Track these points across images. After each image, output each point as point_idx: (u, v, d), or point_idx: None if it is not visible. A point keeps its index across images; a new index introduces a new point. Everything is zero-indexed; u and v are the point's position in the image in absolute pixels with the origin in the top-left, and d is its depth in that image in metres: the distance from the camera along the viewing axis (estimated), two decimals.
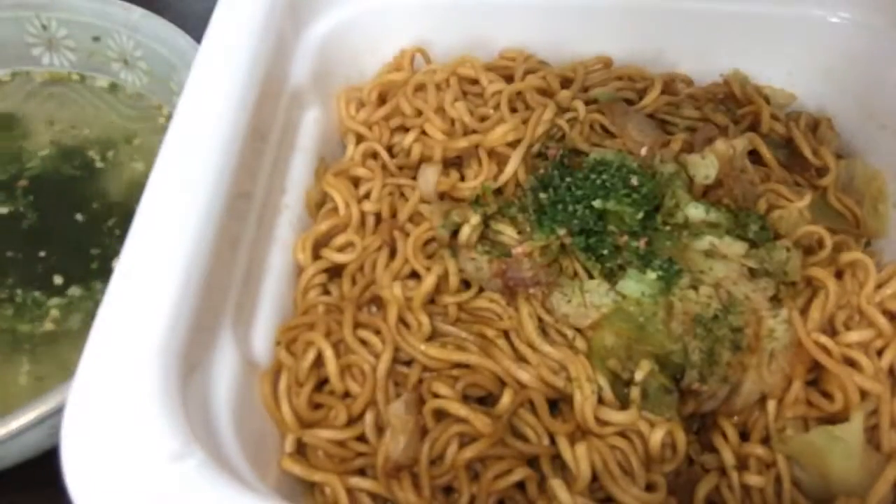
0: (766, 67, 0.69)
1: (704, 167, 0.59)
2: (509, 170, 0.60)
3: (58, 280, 0.68)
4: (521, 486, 0.48)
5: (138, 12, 0.77)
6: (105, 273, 0.69)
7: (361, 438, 0.49)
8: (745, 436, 0.51)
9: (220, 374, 0.47)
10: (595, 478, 0.48)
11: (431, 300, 0.55)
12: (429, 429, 0.49)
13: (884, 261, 0.59)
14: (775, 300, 0.54)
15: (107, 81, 0.83)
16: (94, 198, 0.74)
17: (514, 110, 0.64)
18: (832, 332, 0.54)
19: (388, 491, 0.47)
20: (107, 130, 0.79)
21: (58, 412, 0.49)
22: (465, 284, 0.56)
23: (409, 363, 0.52)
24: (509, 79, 0.67)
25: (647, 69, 0.69)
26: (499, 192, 0.61)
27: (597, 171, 0.58)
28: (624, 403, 0.50)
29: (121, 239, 0.45)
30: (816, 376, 0.53)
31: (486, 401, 0.51)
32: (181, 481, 0.37)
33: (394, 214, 0.60)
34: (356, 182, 0.61)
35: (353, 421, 0.50)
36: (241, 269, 0.52)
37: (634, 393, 0.50)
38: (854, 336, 0.53)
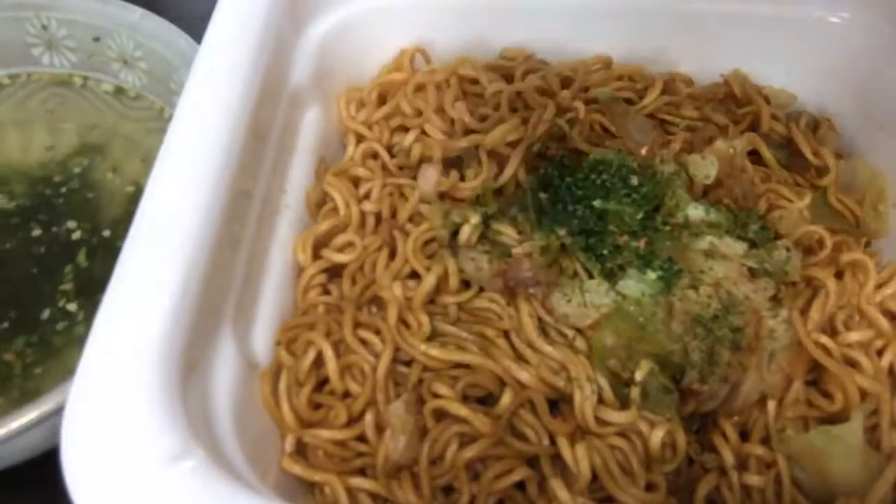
0: (766, 67, 0.69)
1: (704, 167, 0.59)
2: (509, 170, 0.60)
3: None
4: (521, 486, 0.48)
5: (138, 12, 0.77)
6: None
7: (361, 438, 0.49)
8: (745, 436, 0.51)
9: (220, 374, 0.47)
10: (595, 478, 0.48)
11: (431, 300, 0.55)
12: (429, 429, 0.49)
13: (884, 261, 0.59)
14: (775, 300, 0.54)
15: (111, 85, 0.83)
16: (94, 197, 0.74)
17: (514, 110, 0.64)
18: (832, 332, 0.54)
19: (388, 491, 0.47)
20: (107, 131, 0.79)
21: (58, 412, 0.49)
22: (465, 284, 0.56)
23: (409, 363, 0.52)
24: (509, 79, 0.67)
25: (647, 69, 0.69)
26: (499, 192, 0.61)
27: (597, 171, 0.58)
28: (624, 403, 0.50)
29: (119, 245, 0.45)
30: (816, 376, 0.53)
31: (486, 401, 0.51)
32: (181, 481, 0.37)
33: (394, 214, 0.60)
34: (356, 182, 0.62)
35: (353, 421, 0.50)
36: (241, 269, 0.52)
37: (634, 393, 0.50)
38: (854, 336, 0.53)
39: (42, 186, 0.75)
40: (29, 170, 0.76)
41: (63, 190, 0.75)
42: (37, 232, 0.71)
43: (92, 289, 0.67)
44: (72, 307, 0.66)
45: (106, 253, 0.70)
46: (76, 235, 0.71)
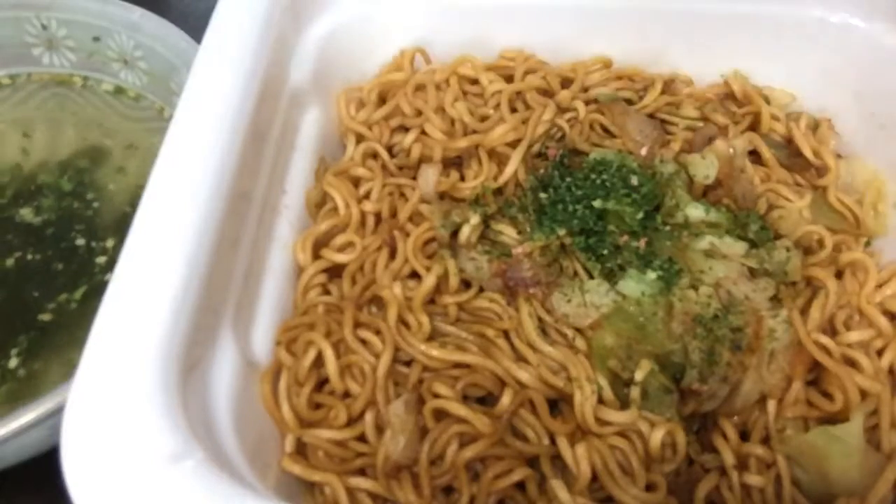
0: (766, 67, 0.69)
1: (704, 167, 0.59)
2: (509, 170, 0.60)
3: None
4: (521, 486, 0.48)
5: (138, 12, 0.77)
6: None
7: (361, 438, 0.49)
8: (745, 436, 0.51)
9: (220, 374, 0.47)
10: (595, 478, 0.48)
11: (431, 300, 0.55)
12: (429, 429, 0.49)
13: (884, 261, 0.59)
14: (775, 300, 0.54)
15: (111, 85, 0.83)
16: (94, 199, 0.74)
17: (514, 110, 0.64)
18: (832, 332, 0.54)
19: (388, 491, 0.47)
20: (108, 132, 0.79)
21: (58, 412, 0.49)
22: (465, 284, 0.56)
23: (409, 363, 0.52)
24: (509, 79, 0.67)
25: (647, 69, 0.69)
26: (499, 192, 0.61)
27: (597, 171, 0.58)
28: (624, 403, 0.50)
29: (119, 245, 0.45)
30: (816, 376, 0.53)
31: (486, 401, 0.51)
32: (181, 481, 0.37)
33: (394, 214, 0.60)
34: (356, 182, 0.61)
35: (353, 421, 0.50)
36: (241, 269, 0.52)
37: (634, 393, 0.50)
38: (854, 336, 0.53)
39: (70, 199, 0.74)
40: (50, 180, 0.75)
41: (75, 201, 0.74)
42: (80, 241, 0.71)
43: (57, 338, 0.65)
44: (14, 363, 0.63)
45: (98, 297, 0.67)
46: (100, 260, 0.70)
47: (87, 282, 0.68)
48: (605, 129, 0.65)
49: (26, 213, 0.73)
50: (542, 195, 0.58)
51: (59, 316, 0.66)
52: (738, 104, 0.68)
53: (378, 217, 0.60)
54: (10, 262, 0.69)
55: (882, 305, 0.55)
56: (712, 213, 0.56)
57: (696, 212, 0.56)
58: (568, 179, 0.58)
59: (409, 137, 0.63)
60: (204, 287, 0.45)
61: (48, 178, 0.75)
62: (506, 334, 0.53)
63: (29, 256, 0.70)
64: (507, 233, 0.57)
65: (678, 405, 0.51)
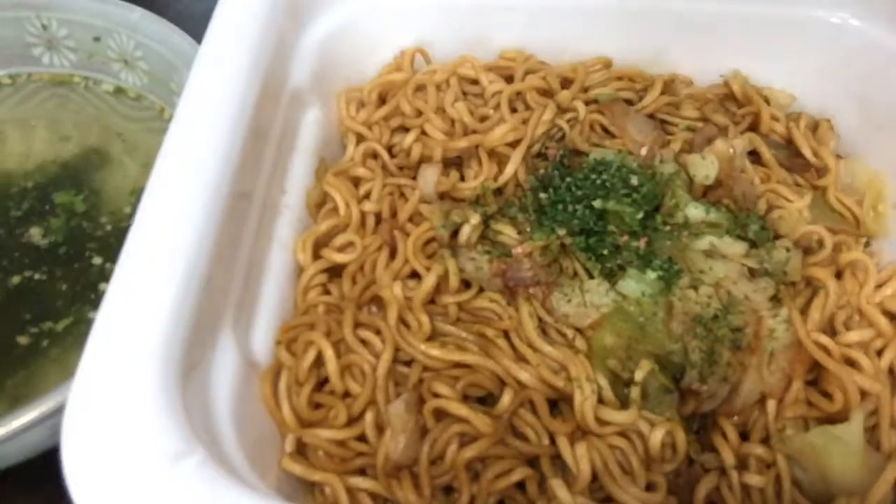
0: (766, 67, 0.69)
1: (704, 167, 0.59)
2: (509, 170, 0.60)
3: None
4: (521, 485, 0.48)
5: (138, 12, 0.77)
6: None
7: (361, 438, 0.49)
8: (745, 436, 0.51)
9: (220, 374, 0.47)
10: (595, 477, 0.48)
11: (431, 300, 0.55)
12: (429, 428, 0.49)
13: (884, 261, 0.59)
14: (775, 300, 0.54)
15: (112, 85, 0.83)
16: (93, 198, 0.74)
17: (514, 110, 0.64)
18: (832, 332, 0.54)
19: (388, 491, 0.47)
20: (108, 132, 0.79)
21: (58, 412, 0.49)
22: (466, 284, 0.56)
23: (409, 363, 0.52)
24: (509, 79, 0.67)
25: (647, 69, 0.69)
26: (499, 192, 0.61)
27: (597, 171, 0.58)
28: (624, 403, 0.50)
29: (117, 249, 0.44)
30: (816, 376, 0.53)
31: (486, 401, 0.51)
32: (181, 481, 0.37)
33: (394, 214, 0.60)
34: (356, 182, 0.62)
35: (353, 421, 0.50)
36: (241, 269, 0.52)
37: (634, 393, 0.50)
38: (854, 336, 0.53)
39: (80, 219, 0.72)
40: (65, 200, 0.74)
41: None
42: (97, 260, 0.69)
43: (22, 363, 0.62)
44: None
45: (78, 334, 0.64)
46: (102, 287, 0.67)
47: (76, 312, 0.66)
48: (605, 130, 0.65)
49: (35, 233, 0.71)
50: (542, 195, 0.58)
51: (35, 345, 0.63)
52: (738, 104, 0.68)
53: (378, 217, 0.60)
54: (15, 279, 0.68)
55: (882, 305, 0.55)
56: (712, 213, 0.56)
57: (696, 212, 0.56)
58: (568, 179, 0.58)
59: (409, 137, 0.63)
60: (204, 287, 0.45)
61: (64, 199, 0.74)
62: (506, 334, 0.53)
63: (37, 276, 0.68)
64: (507, 233, 0.57)
65: (678, 405, 0.51)
